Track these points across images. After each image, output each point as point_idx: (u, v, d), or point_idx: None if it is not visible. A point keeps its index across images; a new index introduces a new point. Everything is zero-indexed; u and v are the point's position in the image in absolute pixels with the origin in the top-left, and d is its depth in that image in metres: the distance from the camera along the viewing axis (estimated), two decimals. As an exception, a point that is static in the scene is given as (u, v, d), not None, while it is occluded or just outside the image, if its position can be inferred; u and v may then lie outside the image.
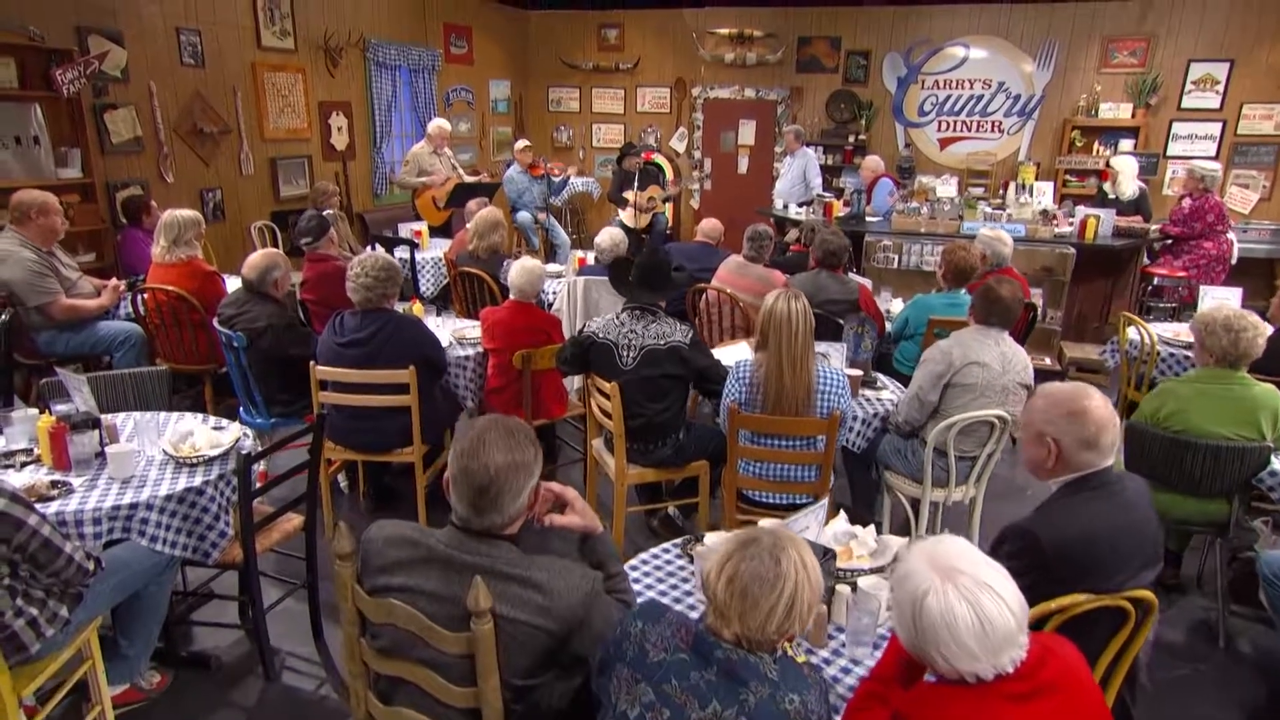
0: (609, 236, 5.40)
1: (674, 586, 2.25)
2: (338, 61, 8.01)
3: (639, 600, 2.05)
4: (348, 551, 1.82)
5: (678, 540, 2.46)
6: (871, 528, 2.34)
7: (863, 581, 2.05)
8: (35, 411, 3.07)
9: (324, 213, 5.45)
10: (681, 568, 2.33)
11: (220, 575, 3.40)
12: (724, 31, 10.38)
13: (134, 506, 2.65)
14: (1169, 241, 7.16)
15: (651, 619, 1.61)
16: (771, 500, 3.34)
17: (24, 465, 2.85)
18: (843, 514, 2.39)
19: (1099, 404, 2.08)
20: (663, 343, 3.51)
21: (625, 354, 3.55)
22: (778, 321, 3.11)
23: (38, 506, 2.49)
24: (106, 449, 2.82)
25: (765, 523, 2.39)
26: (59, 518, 2.56)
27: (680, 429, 3.68)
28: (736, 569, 1.49)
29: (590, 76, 11.17)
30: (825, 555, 2.04)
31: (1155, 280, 7.04)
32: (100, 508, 2.61)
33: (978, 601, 1.37)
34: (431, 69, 9.28)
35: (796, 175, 8.87)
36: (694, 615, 2.08)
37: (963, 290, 4.52)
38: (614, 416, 3.54)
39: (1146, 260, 7.56)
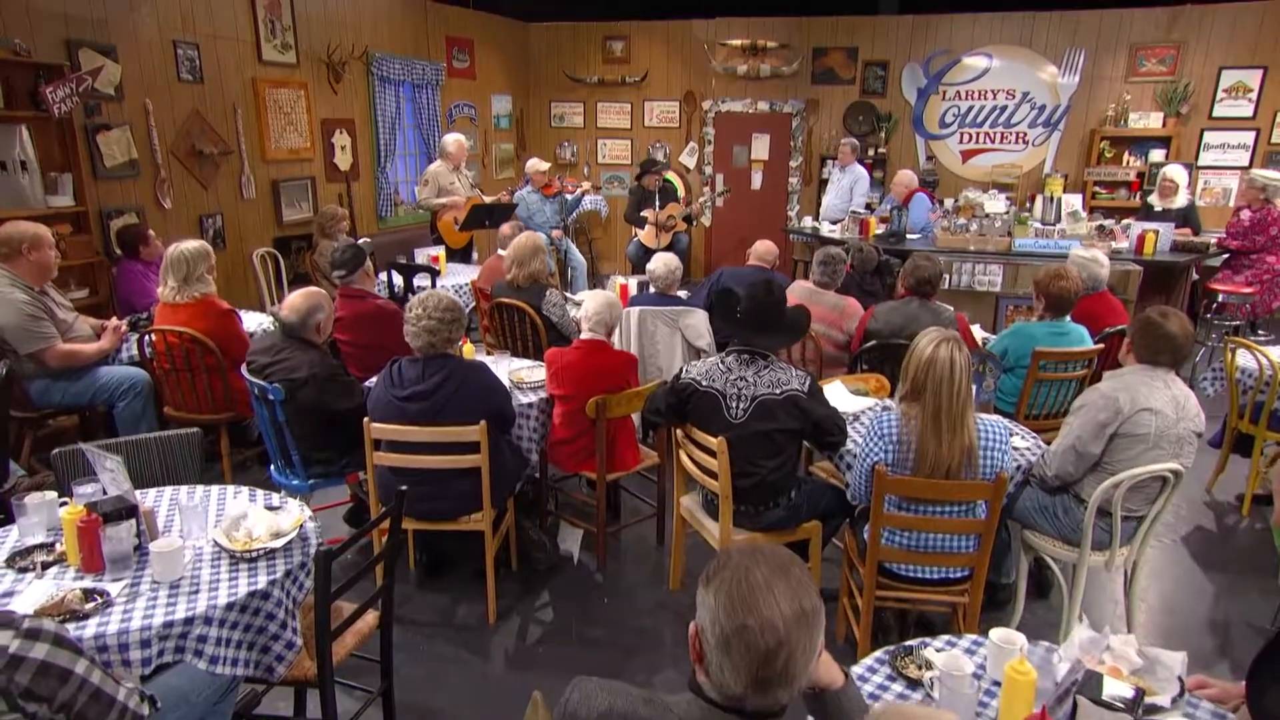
0: (663, 263, 4.94)
1: (904, 725, 1.77)
2: (341, 76, 7.49)
3: None
4: (544, 731, 1.34)
5: (884, 652, 2.00)
6: (1131, 636, 1.89)
7: (1168, 724, 1.60)
8: (54, 496, 2.54)
9: (360, 241, 4.92)
10: (902, 695, 1.87)
11: (268, 689, 2.85)
12: (736, 43, 9.98)
13: (189, 622, 2.12)
14: (1227, 255, 6.85)
15: None
16: (920, 574, 2.88)
17: (46, 568, 2.32)
18: (1084, 617, 1.94)
19: None
20: (778, 392, 3.05)
21: (734, 405, 3.09)
22: (938, 373, 2.65)
23: (72, 628, 2.00)
24: (149, 546, 2.30)
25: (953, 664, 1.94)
26: (99, 642, 2.03)
27: (794, 487, 3.22)
28: None
29: (595, 90, 10.71)
30: (1134, 704, 1.58)
31: (1220, 297, 6.69)
32: (149, 625, 2.08)
33: None
34: (435, 84, 8.79)
35: (845, 190, 8.50)
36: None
37: (1067, 318, 4.12)
38: (720, 476, 3.08)
39: (1195, 275, 7.25)
